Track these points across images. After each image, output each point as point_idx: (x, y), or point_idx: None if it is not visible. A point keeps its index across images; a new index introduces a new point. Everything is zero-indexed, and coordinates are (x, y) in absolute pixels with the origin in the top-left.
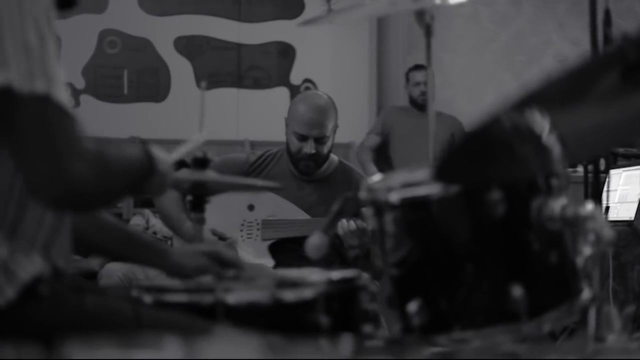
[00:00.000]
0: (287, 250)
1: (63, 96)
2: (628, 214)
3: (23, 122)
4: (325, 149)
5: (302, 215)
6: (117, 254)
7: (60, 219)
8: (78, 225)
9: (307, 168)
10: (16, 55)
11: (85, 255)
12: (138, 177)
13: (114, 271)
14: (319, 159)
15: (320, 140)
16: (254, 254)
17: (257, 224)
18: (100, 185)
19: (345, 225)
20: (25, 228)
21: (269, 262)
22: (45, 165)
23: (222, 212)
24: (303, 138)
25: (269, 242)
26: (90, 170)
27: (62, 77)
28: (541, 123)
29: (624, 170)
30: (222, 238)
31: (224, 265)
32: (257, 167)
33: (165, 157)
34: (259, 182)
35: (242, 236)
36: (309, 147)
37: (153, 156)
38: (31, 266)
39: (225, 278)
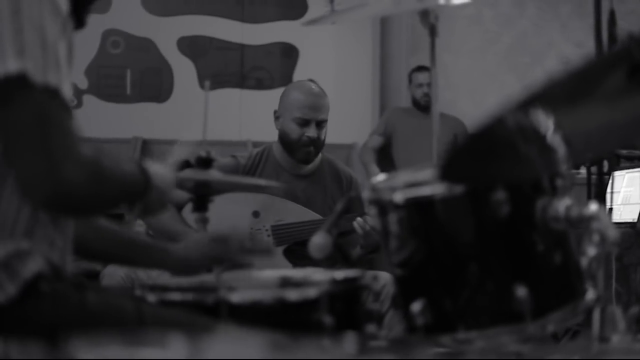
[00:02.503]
0: (293, 252)
1: (68, 96)
2: (631, 215)
3: (27, 111)
4: (323, 134)
5: (309, 214)
6: (120, 258)
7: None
8: (78, 231)
9: (307, 155)
10: (33, 45)
11: None
12: (133, 190)
13: (116, 271)
14: (319, 144)
15: (320, 125)
16: (269, 262)
17: (266, 230)
18: (91, 191)
19: (363, 222)
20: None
21: (287, 266)
22: (39, 161)
23: (227, 223)
24: (305, 123)
25: (283, 247)
26: (82, 174)
27: (70, 78)
28: (546, 123)
29: (627, 172)
30: None
31: (233, 250)
32: (249, 170)
33: (163, 174)
34: (262, 181)
35: None
36: (312, 131)
37: (149, 172)
38: (33, 263)
39: (236, 265)
